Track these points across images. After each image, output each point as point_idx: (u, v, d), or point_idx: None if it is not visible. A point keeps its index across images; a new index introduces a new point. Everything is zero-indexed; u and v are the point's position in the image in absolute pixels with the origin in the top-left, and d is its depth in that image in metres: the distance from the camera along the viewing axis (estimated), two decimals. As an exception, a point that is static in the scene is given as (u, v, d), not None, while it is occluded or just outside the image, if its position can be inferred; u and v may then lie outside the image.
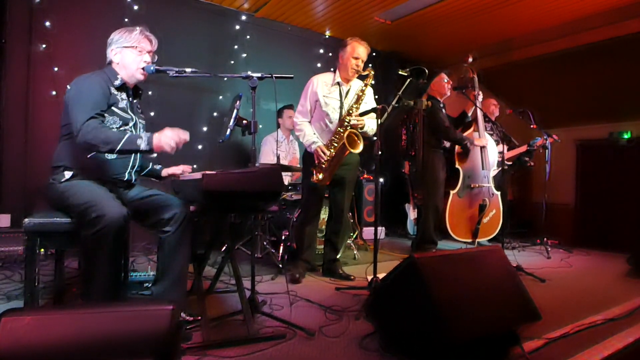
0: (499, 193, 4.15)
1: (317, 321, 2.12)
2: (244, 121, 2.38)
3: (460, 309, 1.57)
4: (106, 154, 1.94)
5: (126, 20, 3.84)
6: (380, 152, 2.58)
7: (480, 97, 4.02)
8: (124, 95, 2.06)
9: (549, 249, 4.16)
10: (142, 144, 1.81)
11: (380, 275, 2.37)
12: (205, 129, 4.39)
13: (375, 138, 2.72)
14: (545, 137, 4.30)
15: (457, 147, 3.98)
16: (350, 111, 2.89)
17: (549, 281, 3.09)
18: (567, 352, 1.82)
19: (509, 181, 4.88)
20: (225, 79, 4.52)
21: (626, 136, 4.76)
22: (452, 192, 3.95)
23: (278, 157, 3.69)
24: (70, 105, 1.89)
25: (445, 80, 3.94)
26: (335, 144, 2.88)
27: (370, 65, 3.07)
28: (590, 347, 1.88)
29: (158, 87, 3.92)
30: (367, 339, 1.90)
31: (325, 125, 3.00)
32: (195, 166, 2.21)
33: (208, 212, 2.27)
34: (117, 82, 2.02)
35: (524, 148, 4.62)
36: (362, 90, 2.92)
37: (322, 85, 3.01)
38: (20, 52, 3.52)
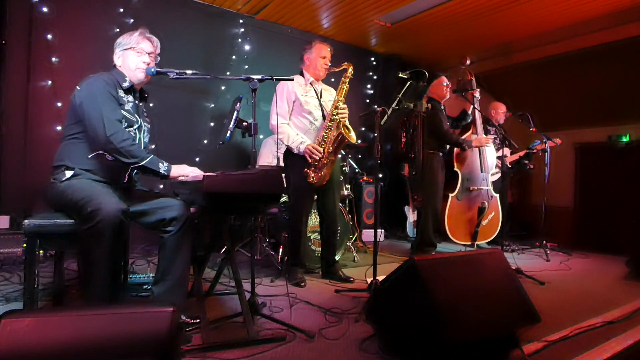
0: (497, 195, 4.16)
1: (317, 323, 2.12)
2: (244, 123, 2.39)
3: (460, 312, 1.57)
4: (107, 155, 1.94)
5: (126, 21, 3.85)
6: (379, 155, 2.59)
7: (478, 96, 4.02)
8: (130, 98, 2.09)
9: (548, 252, 4.16)
10: (162, 169, 1.98)
11: (380, 278, 2.37)
12: (205, 130, 4.39)
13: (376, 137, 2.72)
14: (544, 140, 4.31)
15: (455, 149, 4.00)
16: (337, 104, 2.92)
17: (549, 284, 3.09)
18: (566, 355, 1.82)
19: (508, 184, 4.89)
20: (226, 81, 4.53)
21: (625, 139, 4.77)
22: (451, 194, 3.96)
23: (277, 159, 3.69)
24: (87, 109, 1.90)
25: (445, 84, 3.96)
26: (327, 139, 2.89)
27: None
28: (590, 349, 1.88)
29: (158, 89, 3.91)
30: (367, 341, 1.89)
31: (310, 124, 3.01)
32: (195, 167, 2.22)
33: (208, 214, 2.26)
34: (125, 84, 2.05)
35: (523, 152, 4.64)
36: (344, 82, 2.94)
37: (297, 85, 3.02)
38: (20, 53, 3.53)
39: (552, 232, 4.55)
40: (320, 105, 3.05)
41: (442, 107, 3.98)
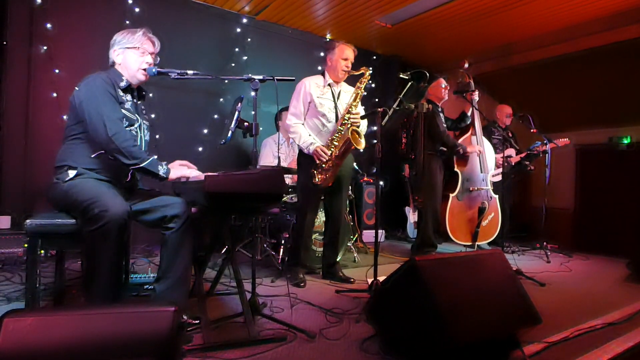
0: (497, 196, 4.16)
1: (318, 324, 2.12)
2: (245, 123, 2.39)
3: (460, 312, 1.57)
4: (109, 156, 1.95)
5: (127, 22, 3.85)
6: (380, 155, 2.58)
7: (477, 97, 4.03)
8: (129, 97, 2.09)
9: (549, 253, 4.16)
10: (161, 171, 1.97)
11: (381, 278, 2.38)
12: (206, 131, 4.40)
13: (375, 141, 2.72)
14: (545, 141, 4.32)
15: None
16: (350, 109, 2.90)
17: (549, 285, 3.09)
18: (567, 356, 1.82)
19: (512, 184, 4.88)
20: (227, 81, 4.51)
21: (626, 141, 4.78)
22: (451, 195, 3.97)
23: (279, 159, 3.70)
24: (87, 109, 1.90)
25: (443, 85, 3.97)
26: (336, 143, 2.88)
27: (370, 68, 3.08)
28: (590, 351, 1.88)
29: (159, 89, 3.92)
30: (367, 341, 1.90)
31: (323, 126, 3.00)
32: (196, 168, 2.23)
33: (209, 214, 2.27)
34: (122, 84, 2.05)
35: (524, 154, 4.64)
36: (359, 87, 2.92)
37: (314, 86, 3.01)
38: (21, 54, 3.53)
39: (552, 234, 4.54)
40: (336, 107, 3.01)
41: (440, 109, 3.99)
